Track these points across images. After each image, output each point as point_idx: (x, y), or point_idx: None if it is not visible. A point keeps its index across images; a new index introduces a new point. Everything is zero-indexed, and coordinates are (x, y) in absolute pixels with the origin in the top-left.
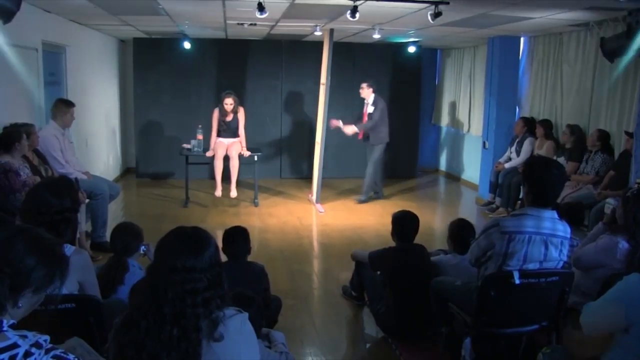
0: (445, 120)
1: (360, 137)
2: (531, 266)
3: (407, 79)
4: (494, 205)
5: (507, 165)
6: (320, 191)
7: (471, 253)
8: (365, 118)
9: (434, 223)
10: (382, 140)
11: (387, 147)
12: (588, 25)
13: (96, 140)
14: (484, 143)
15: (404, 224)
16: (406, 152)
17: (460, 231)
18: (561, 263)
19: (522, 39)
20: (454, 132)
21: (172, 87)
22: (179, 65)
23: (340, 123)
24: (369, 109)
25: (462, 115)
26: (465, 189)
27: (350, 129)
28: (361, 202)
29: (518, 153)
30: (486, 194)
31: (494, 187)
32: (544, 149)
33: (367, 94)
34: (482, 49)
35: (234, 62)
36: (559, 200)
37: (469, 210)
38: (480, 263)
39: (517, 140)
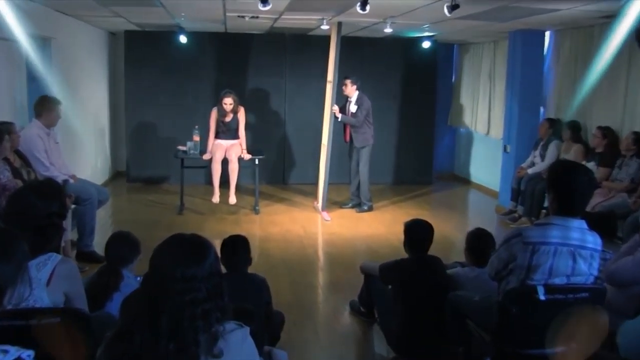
0: (462, 122)
1: (347, 139)
2: (557, 281)
3: (421, 77)
4: (515, 215)
5: (530, 171)
6: (326, 198)
7: (491, 266)
8: (350, 116)
9: (449, 233)
10: (367, 141)
11: (373, 149)
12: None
13: (84, 141)
14: (505, 147)
15: (417, 233)
16: (420, 156)
17: (478, 242)
18: (591, 278)
19: (547, 33)
20: (472, 134)
21: (166, 85)
22: (174, 60)
23: (336, 108)
24: (352, 107)
25: (481, 116)
26: (484, 196)
27: (335, 109)
28: (364, 211)
29: (542, 157)
30: (507, 202)
31: (516, 195)
32: (571, 153)
33: (351, 91)
34: (503, 44)
35: (233, 58)
36: (588, 209)
37: (488, 219)
38: (501, 277)
39: (541, 143)
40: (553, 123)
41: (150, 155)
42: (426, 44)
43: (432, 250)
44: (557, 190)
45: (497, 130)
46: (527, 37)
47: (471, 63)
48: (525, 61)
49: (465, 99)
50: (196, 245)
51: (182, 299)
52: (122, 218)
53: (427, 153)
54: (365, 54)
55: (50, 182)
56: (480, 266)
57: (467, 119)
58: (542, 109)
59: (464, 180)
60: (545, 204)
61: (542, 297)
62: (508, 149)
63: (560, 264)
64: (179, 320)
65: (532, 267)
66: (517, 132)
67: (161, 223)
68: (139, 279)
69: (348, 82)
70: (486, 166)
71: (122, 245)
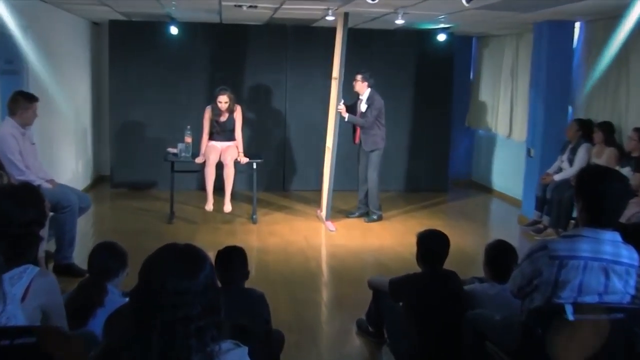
0: (481, 123)
1: (357, 141)
2: (588, 299)
3: (436, 73)
4: (540, 226)
5: (557, 177)
6: (331, 206)
7: (513, 282)
8: (359, 116)
9: (467, 245)
10: (376, 145)
11: (384, 152)
12: None
13: (63, 142)
14: (528, 150)
15: (432, 245)
16: (434, 160)
17: (499, 255)
18: (628, 297)
19: (577, 24)
20: (492, 136)
21: (155, 81)
22: (164, 54)
23: (342, 106)
24: (362, 107)
25: (502, 116)
26: (505, 205)
27: (342, 109)
28: (372, 220)
29: (571, 162)
30: (531, 211)
31: (541, 204)
32: (603, 157)
33: (362, 88)
34: (527, 37)
35: (229, 51)
36: (623, 220)
37: (510, 230)
38: (525, 294)
39: (569, 146)
40: (583, 124)
41: (136, 158)
42: (441, 37)
43: (448, 264)
44: (587, 199)
45: (520, 132)
46: (555, 29)
47: (492, 58)
48: (552, 55)
49: (484, 97)
50: (190, 256)
51: (175, 315)
52: (105, 228)
53: (443, 157)
54: (374, 48)
55: (26, 187)
56: (501, 282)
57: (487, 119)
58: (570, 109)
59: (483, 188)
60: (574, 214)
61: (570, 317)
62: (532, 153)
63: (592, 281)
64: (170, 339)
65: (560, 284)
66: (543, 135)
67: (149, 233)
68: (122, 298)
69: (359, 77)
70: (508, 172)
71: (108, 257)
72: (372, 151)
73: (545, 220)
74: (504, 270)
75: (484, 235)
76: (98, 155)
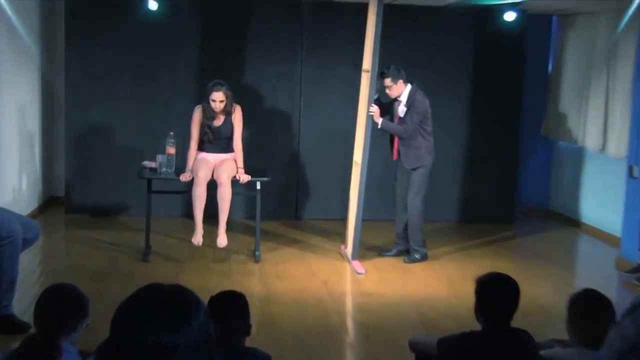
0: (563, 132)
1: (395, 156)
2: None
3: (501, 65)
4: None
5: None
6: (359, 241)
7: (611, 347)
8: (397, 122)
9: (544, 296)
10: (421, 161)
11: (432, 171)
12: None
13: (1, 153)
14: (630, 169)
15: (495, 294)
16: (499, 181)
17: (589, 311)
18: None
19: None
20: (579, 150)
21: (127, 71)
22: (139, 36)
23: (375, 108)
24: (400, 110)
25: (592, 123)
26: (598, 243)
27: (374, 111)
28: (414, 260)
29: None
30: (634, 252)
31: None
32: None
33: (398, 89)
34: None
35: (226, 34)
36: None
37: (603, 277)
38: None
39: None
40: None
41: (101, 174)
42: (509, 16)
43: (517, 321)
44: None
45: (618, 145)
46: None
47: (578, 44)
48: None
49: (568, 97)
50: (178, 300)
51: None
52: (57, 266)
53: (510, 178)
54: (418, 31)
55: None
56: (592, 347)
57: (571, 127)
58: None
59: (567, 219)
60: None
61: None
62: (635, 173)
63: None
64: None
65: None
66: None
67: (116, 274)
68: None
69: (387, 81)
70: (601, 199)
71: (62, 305)
72: (414, 169)
73: None
74: (596, 330)
75: (568, 282)
76: (49, 170)
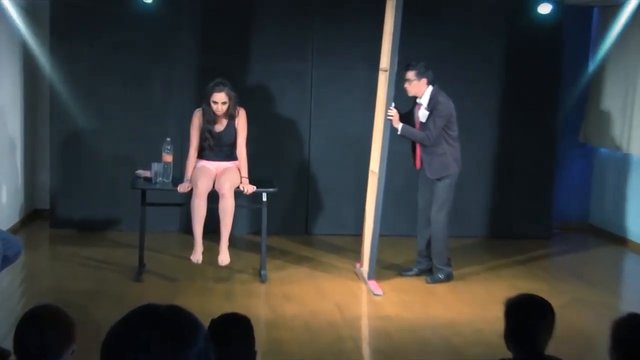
0: (605, 138)
1: (418, 165)
2: None
3: (535, 63)
4: None
5: None
6: (376, 259)
7: None
8: (419, 128)
9: (583, 321)
10: (445, 170)
11: (458, 181)
12: None
13: None
14: None
15: (528, 318)
16: (532, 192)
17: (635, 337)
18: None
19: None
20: (624, 158)
21: (118, 72)
22: (131, 33)
23: (394, 112)
24: (421, 114)
25: (638, 128)
26: None
27: (393, 115)
28: (438, 281)
29: None
30: None
31: None
32: None
33: (419, 88)
34: None
35: (228, 29)
36: None
37: None
38: None
39: None
40: None
41: (89, 185)
42: (545, 8)
43: (554, 349)
44: None
45: None
46: None
47: (623, 39)
48: None
49: (611, 99)
50: (176, 323)
51: None
52: (40, 286)
53: (546, 189)
54: (441, 25)
55: None
56: None
57: (615, 132)
58: None
59: (610, 236)
60: None
61: None
62: None
63: None
64: None
65: None
66: None
67: (106, 295)
68: None
69: (411, 74)
70: None
71: (45, 329)
72: (438, 179)
73: None
74: None
75: (611, 306)
76: (32, 180)
